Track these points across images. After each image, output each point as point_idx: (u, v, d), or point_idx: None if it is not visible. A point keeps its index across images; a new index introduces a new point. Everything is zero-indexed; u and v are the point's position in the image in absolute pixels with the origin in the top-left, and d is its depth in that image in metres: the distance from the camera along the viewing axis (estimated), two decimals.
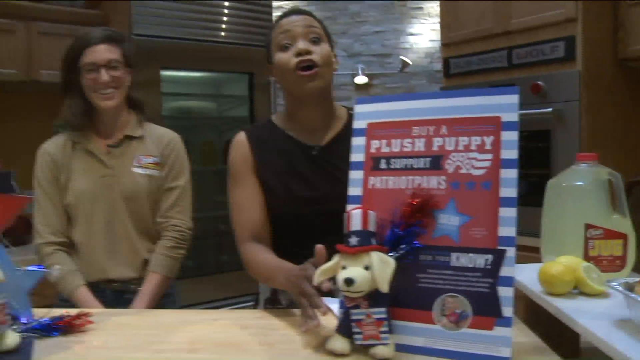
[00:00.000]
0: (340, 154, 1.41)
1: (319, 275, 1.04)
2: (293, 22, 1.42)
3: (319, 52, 1.40)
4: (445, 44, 3.25)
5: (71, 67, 1.64)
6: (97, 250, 1.68)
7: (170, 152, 1.75)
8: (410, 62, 3.81)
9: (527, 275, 1.25)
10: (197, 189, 1.83)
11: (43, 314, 1.23)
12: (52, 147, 1.71)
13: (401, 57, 3.82)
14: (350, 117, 1.46)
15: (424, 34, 3.90)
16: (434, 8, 3.85)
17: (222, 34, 3.28)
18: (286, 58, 1.39)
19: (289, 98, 1.48)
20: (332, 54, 1.45)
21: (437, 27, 3.82)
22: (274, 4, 3.56)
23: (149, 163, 1.70)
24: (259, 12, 3.39)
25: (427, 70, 3.91)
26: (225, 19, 3.31)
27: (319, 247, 1.12)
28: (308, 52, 1.38)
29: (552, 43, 2.66)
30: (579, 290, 1.15)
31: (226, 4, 3.30)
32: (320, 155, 1.45)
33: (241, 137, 1.50)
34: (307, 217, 1.41)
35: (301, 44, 1.39)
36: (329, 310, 1.10)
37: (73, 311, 1.26)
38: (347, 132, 1.43)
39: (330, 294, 1.26)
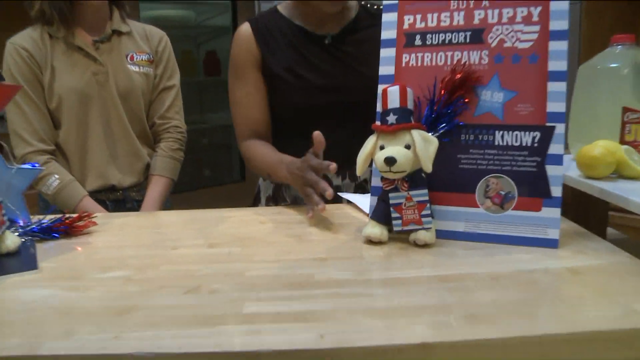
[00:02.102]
0: (354, 43, 1.34)
1: (362, 162, 0.96)
2: None
3: None
4: None
5: None
6: (95, 155, 1.53)
7: (164, 50, 1.62)
8: None
9: None
10: None
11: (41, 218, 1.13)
12: (27, 41, 1.49)
13: None
14: (361, 5, 1.39)
15: None
16: None
17: None
18: None
19: None
20: None
21: None
22: None
23: (143, 60, 1.56)
24: None
25: None
26: None
27: (316, 134, 1.07)
28: None
29: None
30: (617, 174, 1.10)
31: None
32: (333, 44, 1.35)
33: (245, 28, 1.38)
34: (322, 108, 1.33)
35: None
36: (333, 193, 1.06)
37: (73, 214, 1.16)
38: (359, 20, 1.36)
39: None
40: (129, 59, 1.55)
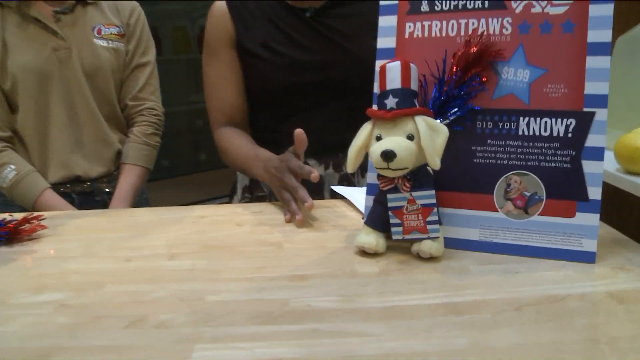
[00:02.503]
0: (339, 16, 1.19)
1: (354, 156, 0.78)
2: None
3: None
4: None
5: None
6: (57, 142, 1.35)
7: (137, 22, 1.43)
8: None
9: None
10: (168, 80, 1.53)
11: None
12: None
13: None
14: None
15: None
16: None
17: None
18: None
19: None
20: None
21: None
22: None
23: (113, 34, 1.38)
24: None
25: None
26: None
27: (298, 132, 0.95)
28: None
29: None
30: None
31: None
32: (316, 18, 1.18)
33: (219, 4, 1.24)
34: (302, 87, 1.18)
35: None
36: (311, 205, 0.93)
37: (18, 214, 0.99)
38: None
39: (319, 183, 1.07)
40: (95, 32, 1.36)
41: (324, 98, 1.18)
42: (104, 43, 1.36)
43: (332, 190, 1.18)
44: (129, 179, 1.37)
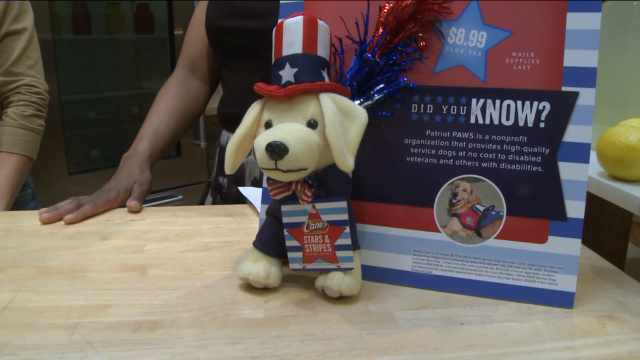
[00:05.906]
0: None
1: (233, 151, 0.54)
2: None
3: None
4: None
5: None
6: None
7: None
8: None
9: None
10: (100, 62, 1.26)
11: None
12: None
13: None
14: None
15: None
16: None
17: None
18: None
19: None
20: None
21: None
22: None
23: None
24: None
25: None
26: None
27: (132, 205, 0.85)
28: None
29: None
30: None
31: None
32: None
33: None
34: (244, 35, 0.97)
35: None
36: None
37: None
38: None
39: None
40: None
41: (265, 52, 0.96)
42: None
43: (253, 183, 0.96)
44: (3, 171, 1.10)
